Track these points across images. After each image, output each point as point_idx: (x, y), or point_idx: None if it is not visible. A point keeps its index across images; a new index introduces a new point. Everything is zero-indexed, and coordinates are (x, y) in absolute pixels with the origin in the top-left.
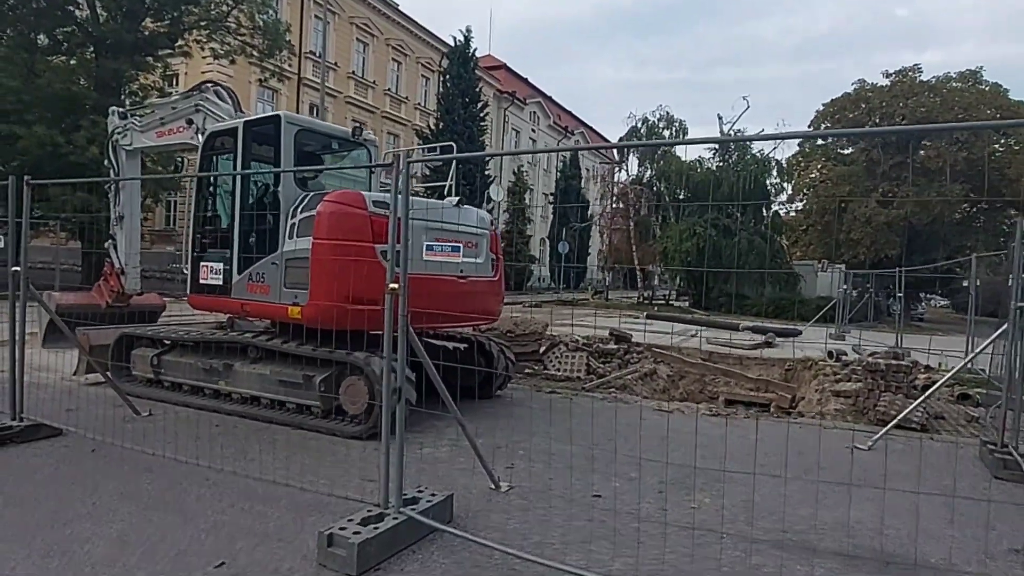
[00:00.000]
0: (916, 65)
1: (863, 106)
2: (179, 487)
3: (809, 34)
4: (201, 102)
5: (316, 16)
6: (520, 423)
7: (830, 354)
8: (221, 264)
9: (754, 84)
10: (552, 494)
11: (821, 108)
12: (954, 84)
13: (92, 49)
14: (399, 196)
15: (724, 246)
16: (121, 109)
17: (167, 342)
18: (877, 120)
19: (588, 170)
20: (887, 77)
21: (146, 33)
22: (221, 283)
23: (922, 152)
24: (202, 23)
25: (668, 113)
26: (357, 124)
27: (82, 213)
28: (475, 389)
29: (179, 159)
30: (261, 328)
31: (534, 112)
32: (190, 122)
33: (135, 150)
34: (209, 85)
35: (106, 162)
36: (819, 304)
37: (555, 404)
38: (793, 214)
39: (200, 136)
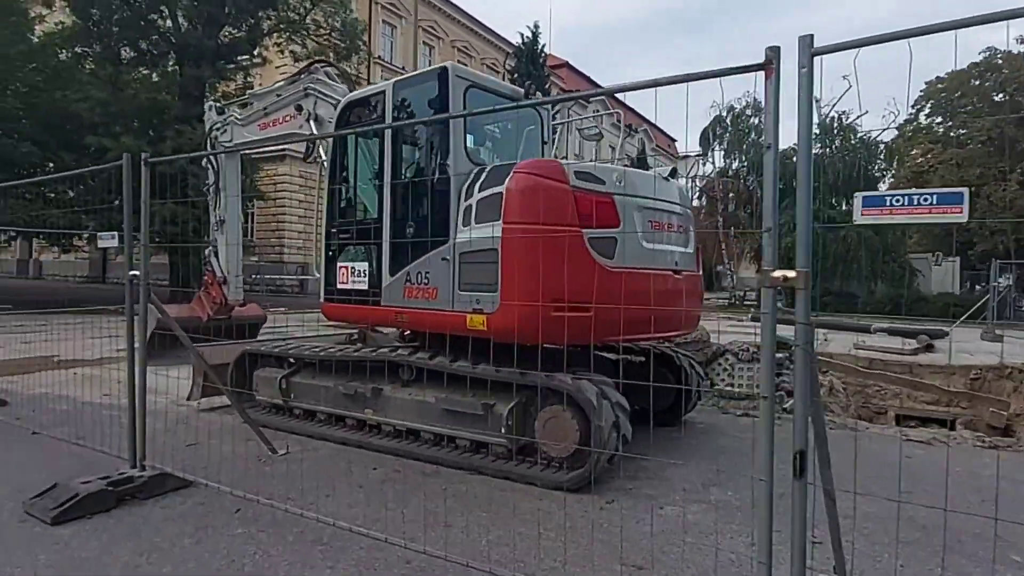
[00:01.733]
0: None
1: (991, 77)
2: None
3: (866, 21)
4: (311, 84)
5: (384, 21)
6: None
7: None
8: (366, 264)
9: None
10: None
11: (924, 87)
12: None
13: (174, 59)
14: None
15: (830, 240)
16: (218, 104)
17: (296, 361)
18: (1011, 93)
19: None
20: (1022, 44)
21: (226, 40)
22: (367, 287)
23: None
24: (281, 26)
25: (755, 99)
26: (529, 82)
27: (171, 224)
28: (657, 413)
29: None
30: (399, 341)
31: (597, 110)
32: (299, 108)
33: (236, 146)
34: (319, 66)
35: (204, 162)
36: (946, 301)
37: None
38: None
39: (312, 123)
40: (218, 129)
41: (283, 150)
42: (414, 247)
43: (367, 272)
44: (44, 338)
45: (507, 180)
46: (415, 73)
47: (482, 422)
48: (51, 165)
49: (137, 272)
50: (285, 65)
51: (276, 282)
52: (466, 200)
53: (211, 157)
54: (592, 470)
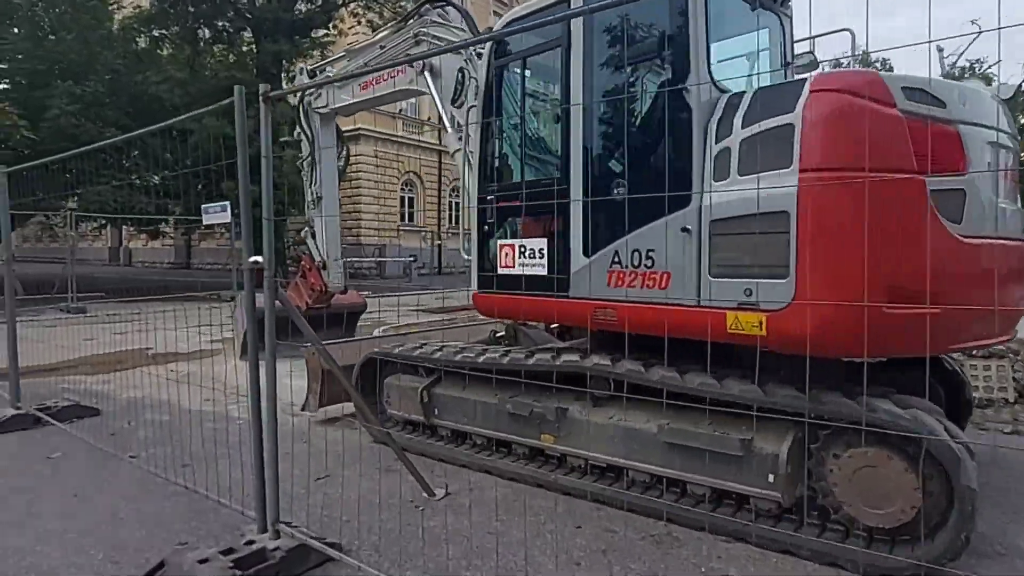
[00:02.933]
0: None
1: None
2: None
3: None
4: (423, 29)
5: None
6: None
7: None
8: (543, 242)
9: (895, 33)
10: None
11: None
12: None
13: (251, 35)
14: None
15: None
16: (310, 67)
17: (440, 367)
18: None
19: None
20: None
21: (301, 15)
22: (545, 272)
23: None
24: None
25: (864, 53)
26: None
27: (254, 206)
28: None
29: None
30: (558, 340)
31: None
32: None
33: (331, 112)
34: (431, 7)
35: (296, 133)
36: None
37: None
38: None
39: (428, 75)
40: (311, 94)
41: (357, 129)
42: (627, 215)
43: (545, 252)
44: (137, 327)
45: (798, 105)
46: None
47: (736, 465)
48: (136, 152)
49: (260, 259)
50: (358, 35)
51: (354, 265)
52: (719, 141)
53: (305, 127)
54: (951, 547)
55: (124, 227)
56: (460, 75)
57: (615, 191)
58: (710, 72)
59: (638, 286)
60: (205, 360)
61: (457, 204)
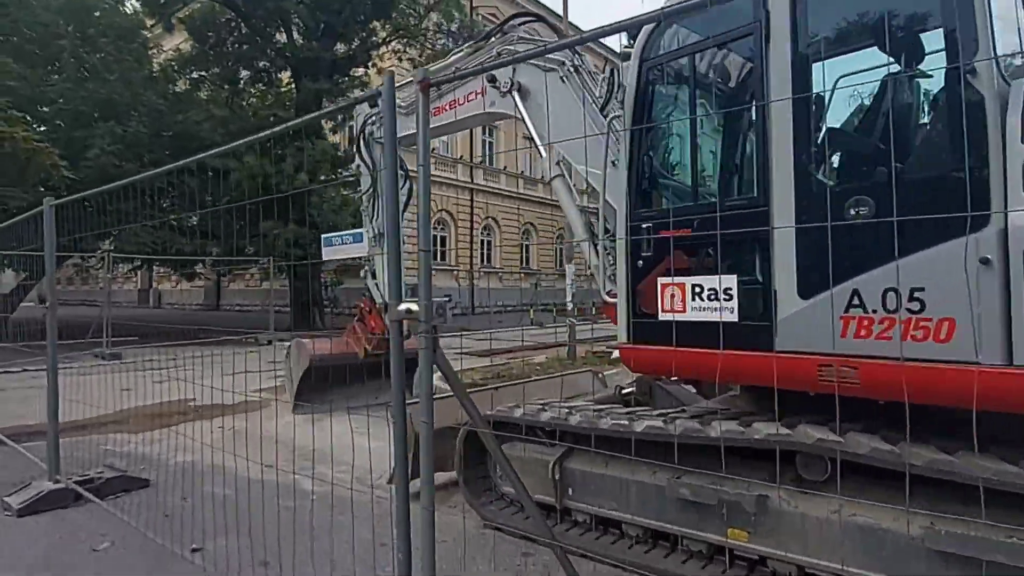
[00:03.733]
0: None
1: None
2: None
3: None
4: (508, 47)
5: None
6: None
7: None
8: (730, 280)
9: None
10: None
11: None
12: None
13: (291, 75)
14: None
15: None
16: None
17: (574, 435)
18: None
19: None
20: None
21: (341, 54)
22: (736, 319)
23: None
24: (399, 31)
25: None
26: None
27: (295, 247)
28: None
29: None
30: (712, 400)
31: None
32: (492, 80)
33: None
34: (514, 23)
35: (355, 165)
36: None
37: None
38: None
39: (516, 95)
40: (372, 123)
41: None
42: (873, 243)
43: (734, 293)
44: (175, 375)
45: None
46: None
47: None
48: (174, 193)
49: (413, 306)
50: (387, 71)
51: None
52: None
53: (363, 156)
54: None
55: (155, 268)
56: (611, 78)
57: (853, 212)
58: (995, 51)
59: (897, 337)
60: (253, 413)
61: (489, 243)
